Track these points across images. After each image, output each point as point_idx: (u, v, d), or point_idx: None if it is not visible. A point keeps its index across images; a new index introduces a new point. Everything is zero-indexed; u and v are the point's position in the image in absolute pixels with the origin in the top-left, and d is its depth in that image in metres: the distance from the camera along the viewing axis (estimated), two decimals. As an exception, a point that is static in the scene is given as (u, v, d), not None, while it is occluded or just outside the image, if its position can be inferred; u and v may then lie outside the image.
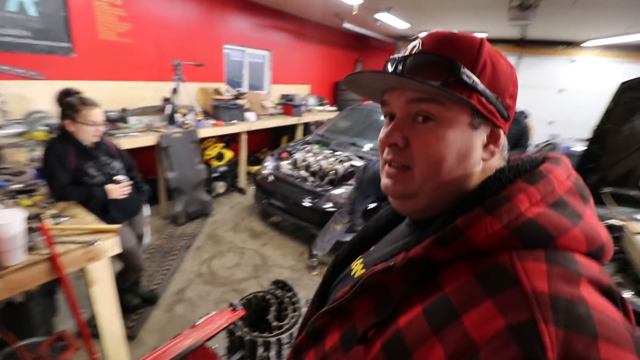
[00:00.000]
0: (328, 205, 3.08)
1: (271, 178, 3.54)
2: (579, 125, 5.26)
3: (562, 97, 5.95)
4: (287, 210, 3.39)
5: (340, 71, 7.51)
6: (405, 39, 7.26)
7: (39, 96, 2.91)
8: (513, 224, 0.35)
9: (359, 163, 3.37)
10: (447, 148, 0.43)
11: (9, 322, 1.43)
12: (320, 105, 6.26)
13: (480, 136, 0.45)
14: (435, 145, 0.43)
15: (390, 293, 0.42)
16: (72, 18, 3.14)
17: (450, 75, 0.42)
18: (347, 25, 5.51)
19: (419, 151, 0.44)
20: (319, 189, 3.23)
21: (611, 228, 1.88)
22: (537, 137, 5.35)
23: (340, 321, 0.48)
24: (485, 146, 0.45)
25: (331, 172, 3.37)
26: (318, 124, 5.62)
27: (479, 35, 0.46)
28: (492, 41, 6.28)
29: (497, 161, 0.47)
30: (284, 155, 3.88)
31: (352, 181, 3.06)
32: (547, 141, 4.38)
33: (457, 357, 0.31)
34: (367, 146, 3.79)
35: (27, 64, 2.92)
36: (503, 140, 0.47)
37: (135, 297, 2.30)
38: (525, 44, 5.98)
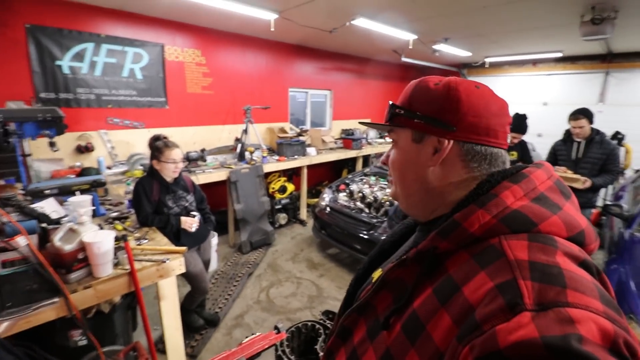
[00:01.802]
0: (380, 236, 3.02)
1: (328, 210, 3.64)
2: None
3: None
4: (343, 242, 3.41)
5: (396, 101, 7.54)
6: (469, 65, 7.06)
7: (139, 141, 3.55)
8: (501, 214, 0.43)
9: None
10: (399, 160, 0.60)
11: (97, 329, 1.70)
12: (381, 137, 6.32)
13: (426, 148, 0.55)
14: (393, 159, 0.61)
15: (405, 284, 0.50)
16: (168, 78, 3.85)
17: (390, 112, 0.60)
18: (406, 59, 5.62)
19: (389, 165, 0.63)
20: (374, 220, 3.21)
21: None
22: (638, 160, 4.54)
23: (366, 317, 0.55)
24: (433, 154, 0.55)
25: (386, 203, 3.33)
26: (378, 155, 5.65)
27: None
28: (572, 58, 5.73)
29: (460, 170, 0.54)
30: (342, 187, 3.98)
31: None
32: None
33: (460, 320, 0.38)
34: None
35: (132, 116, 3.63)
36: (451, 147, 0.53)
37: (200, 318, 2.51)
38: (612, 59, 5.31)
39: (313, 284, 3.23)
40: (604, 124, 3.92)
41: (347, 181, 4.08)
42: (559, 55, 5.48)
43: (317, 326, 2.09)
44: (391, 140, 0.63)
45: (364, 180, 3.92)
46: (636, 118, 5.19)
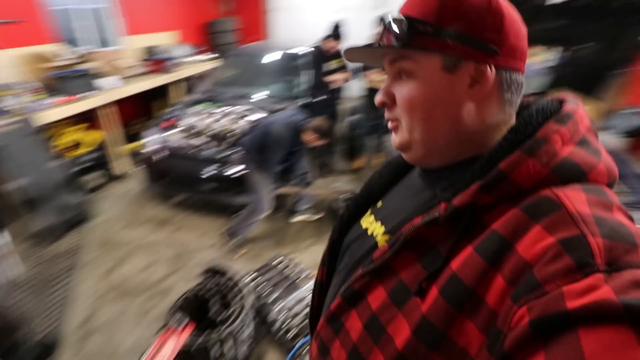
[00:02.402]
0: (234, 170, 2.80)
1: (161, 154, 3.00)
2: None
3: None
4: (189, 186, 2.99)
5: (209, 8, 6.47)
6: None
7: None
8: (552, 163, 0.38)
9: (257, 116, 3.07)
10: (421, 96, 0.46)
11: None
12: (197, 54, 5.38)
13: (462, 78, 0.45)
14: (409, 95, 0.47)
15: (431, 242, 0.43)
16: None
17: (407, 30, 0.44)
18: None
19: (399, 104, 0.49)
20: (220, 156, 2.89)
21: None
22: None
23: (382, 280, 0.48)
24: (471, 86, 0.44)
25: (230, 134, 3.01)
26: (200, 77, 4.84)
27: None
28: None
29: (495, 105, 0.46)
30: (168, 123, 3.28)
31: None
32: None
33: (515, 281, 0.34)
34: (262, 95, 3.50)
35: None
36: (494, 77, 0.44)
37: (25, 355, 1.77)
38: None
39: (169, 243, 2.79)
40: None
41: (172, 115, 3.39)
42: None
43: (202, 292, 1.87)
44: (392, 71, 0.49)
45: (195, 111, 3.35)
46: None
